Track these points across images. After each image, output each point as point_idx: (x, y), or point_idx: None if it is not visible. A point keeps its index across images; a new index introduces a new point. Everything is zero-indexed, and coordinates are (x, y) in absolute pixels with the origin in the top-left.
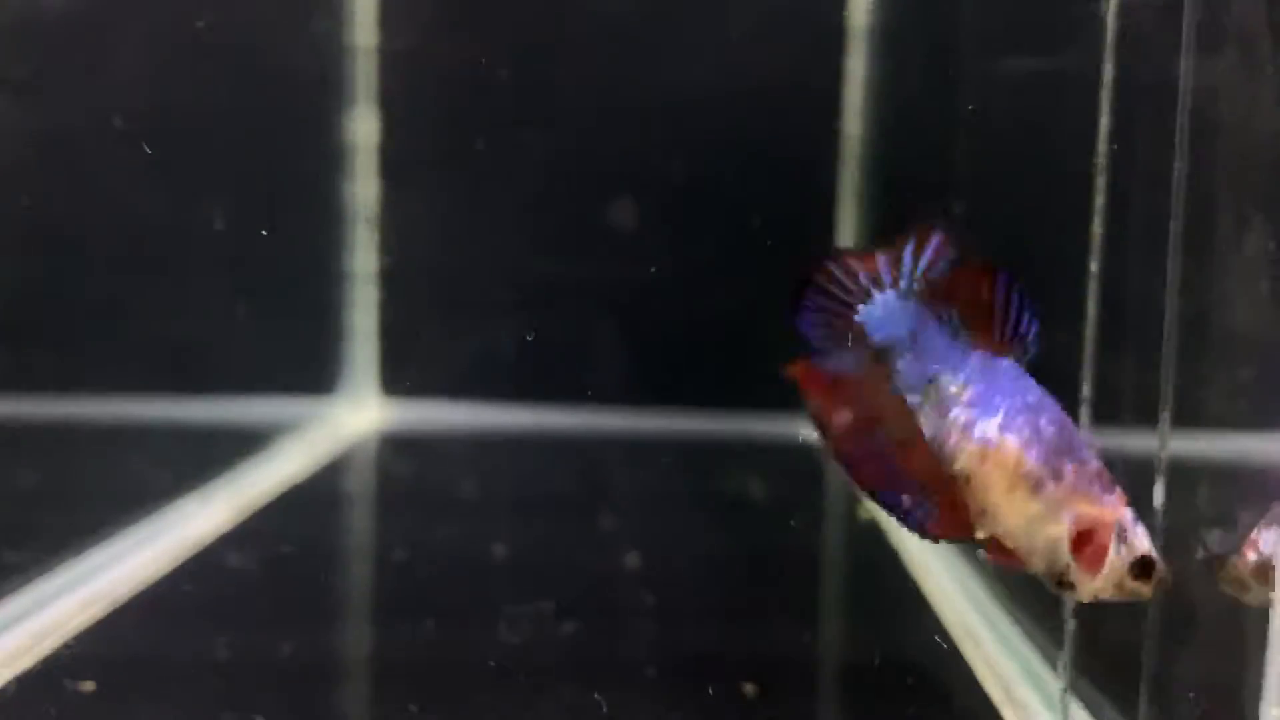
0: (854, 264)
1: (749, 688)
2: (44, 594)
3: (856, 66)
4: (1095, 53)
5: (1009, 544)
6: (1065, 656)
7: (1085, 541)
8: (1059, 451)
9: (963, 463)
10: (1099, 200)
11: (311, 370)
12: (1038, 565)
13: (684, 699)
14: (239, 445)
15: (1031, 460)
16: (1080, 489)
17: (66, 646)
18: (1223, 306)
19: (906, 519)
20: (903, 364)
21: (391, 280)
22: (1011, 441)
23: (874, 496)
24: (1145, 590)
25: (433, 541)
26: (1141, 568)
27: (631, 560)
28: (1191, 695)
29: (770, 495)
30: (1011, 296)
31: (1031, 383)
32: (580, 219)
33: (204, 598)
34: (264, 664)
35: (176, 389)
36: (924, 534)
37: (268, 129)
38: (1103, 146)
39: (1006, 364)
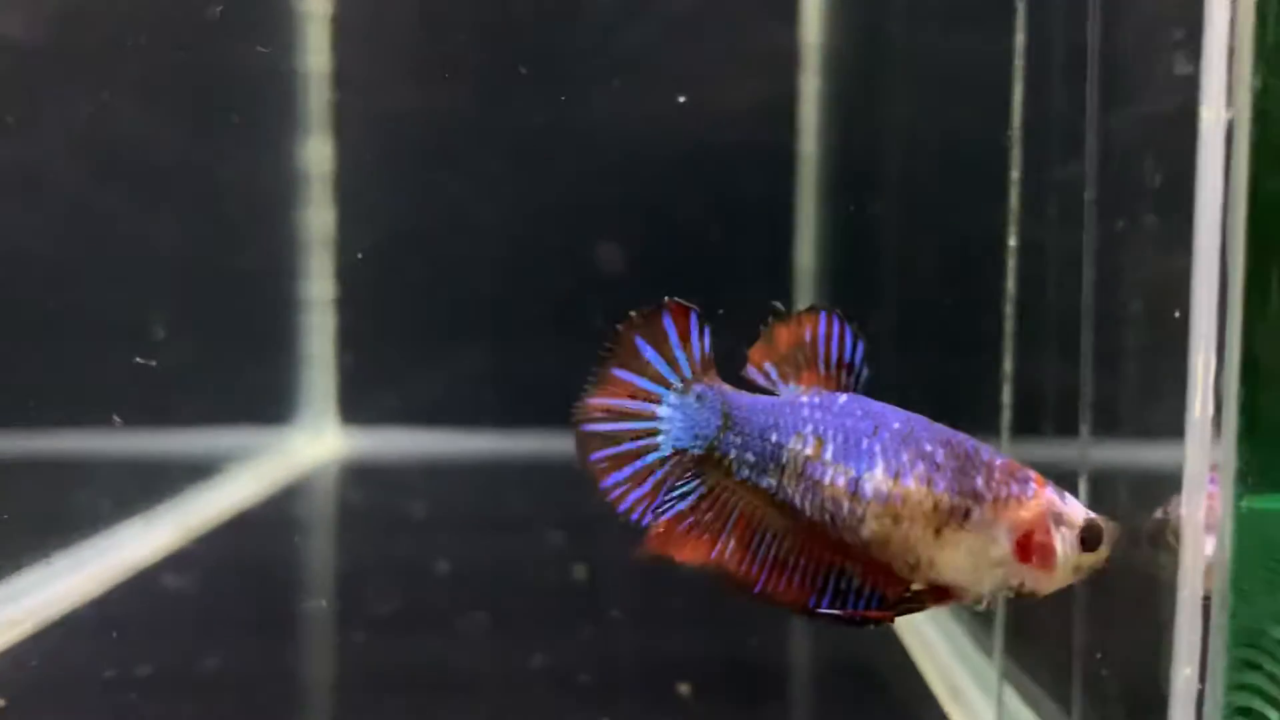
0: (610, 392)
1: (684, 688)
2: None
3: (810, 85)
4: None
5: (951, 582)
6: (998, 641)
7: (1028, 545)
8: (963, 470)
9: (871, 527)
10: (1014, 174)
11: (268, 400)
12: (987, 588)
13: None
14: (190, 475)
15: (945, 495)
16: (1002, 497)
17: None
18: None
19: (851, 620)
20: (733, 453)
21: (348, 308)
22: (913, 486)
23: (807, 613)
24: (1103, 555)
25: (380, 565)
26: (1090, 539)
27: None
28: (1099, 655)
29: None
30: (830, 326)
31: (885, 408)
32: (539, 245)
33: (133, 618)
34: (180, 682)
35: (127, 422)
36: (874, 620)
37: (220, 157)
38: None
39: (846, 399)
